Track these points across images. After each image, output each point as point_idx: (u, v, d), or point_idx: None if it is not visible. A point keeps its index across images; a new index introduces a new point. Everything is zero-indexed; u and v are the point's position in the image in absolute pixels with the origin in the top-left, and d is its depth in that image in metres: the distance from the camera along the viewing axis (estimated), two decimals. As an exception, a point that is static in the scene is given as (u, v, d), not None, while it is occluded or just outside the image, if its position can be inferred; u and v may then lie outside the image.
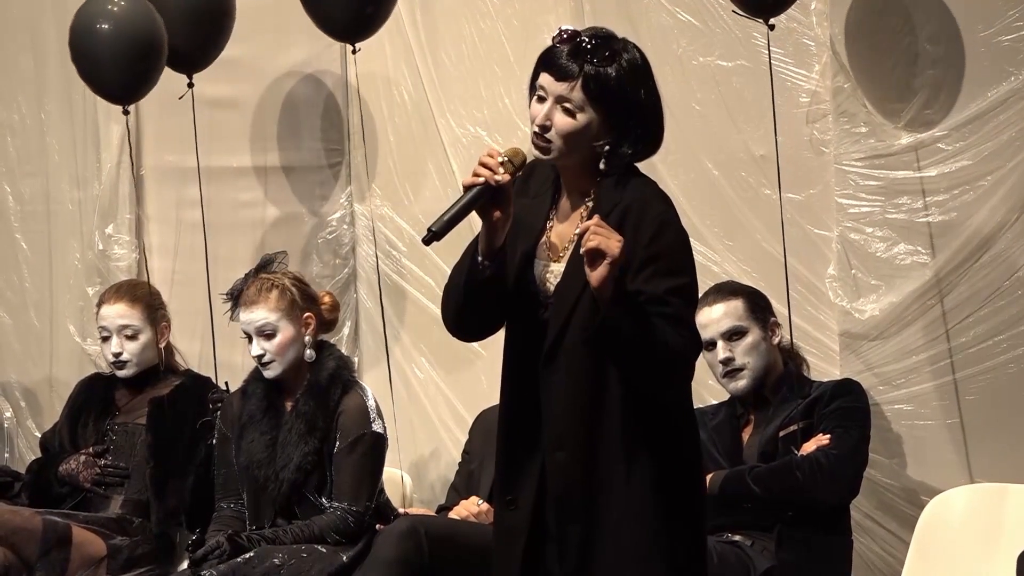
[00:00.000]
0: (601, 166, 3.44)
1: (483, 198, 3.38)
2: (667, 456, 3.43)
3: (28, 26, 6.31)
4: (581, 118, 3.41)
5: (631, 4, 5.55)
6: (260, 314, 4.81)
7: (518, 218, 3.47)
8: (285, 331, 4.82)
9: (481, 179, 3.37)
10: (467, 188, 3.39)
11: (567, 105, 3.40)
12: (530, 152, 3.50)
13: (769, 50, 5.22)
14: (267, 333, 4.81)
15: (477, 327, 3.57)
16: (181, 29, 5.57)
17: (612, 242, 3.27)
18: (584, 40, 3.42)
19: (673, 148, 5.52)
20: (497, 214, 3.40)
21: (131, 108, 5.71)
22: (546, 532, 3.47)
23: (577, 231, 3.37)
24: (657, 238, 3.37)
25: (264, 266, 4.89)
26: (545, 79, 3.43)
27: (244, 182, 6.22)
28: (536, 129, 3.43)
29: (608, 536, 3.41)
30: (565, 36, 3.45)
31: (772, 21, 5.13)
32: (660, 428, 3.43)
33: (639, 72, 3.44)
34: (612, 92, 3.40)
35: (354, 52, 5.65)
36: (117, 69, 5.47)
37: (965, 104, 5.16)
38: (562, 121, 3.41)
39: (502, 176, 3.37)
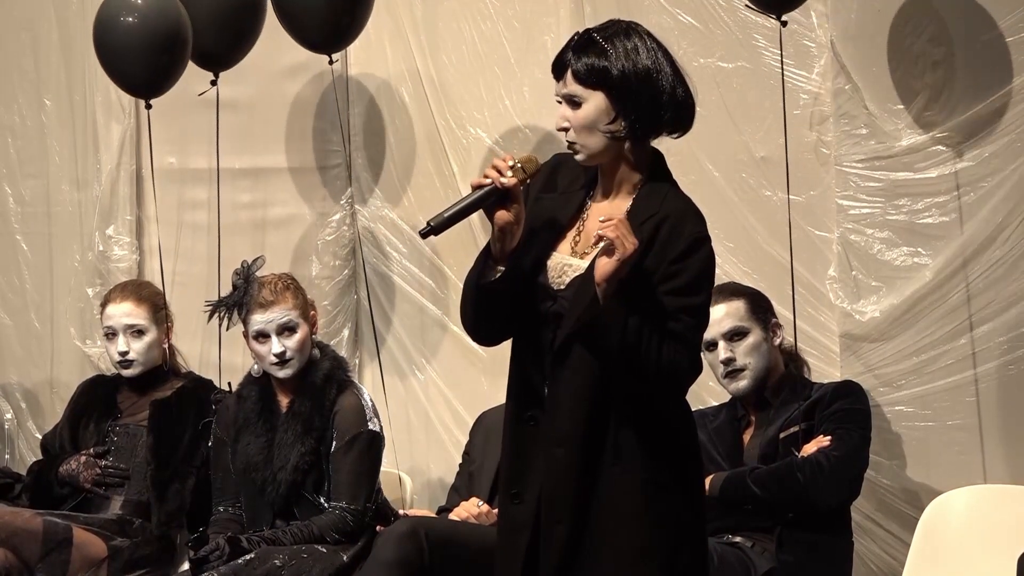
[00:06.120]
0: (626, 148, 3.46)
1: (489, 199, 3.42)
2: (665, 461, 3.43)
3: (29, 27, 6.30)
4: (587, 106, 3.44)
5: (631, 5, 5.54)
6: (281, 312, 4.84)
7: (541, 212, 3.50)
8: (303, 328, 4.87)
9: (488, 180, 3.40)
10: (475, 188, 3.43)
11: (573, 99, 3.45)
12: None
13: (782, 53, 5.21)
14: (289, 330, 4.83)
15: (494, 330, 3.57)
16: (208, 28, 5.54)
17: (628, 241, 3.29)
18: (576, 35, 3.48)
19: (673, 149, 5.49)
20: (505, 217, 3.41)
21: (131, 110, 5.69)
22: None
23: (599, 232, 3.36)
24: (686, 255, 3.38)
25: (252, 272, 4.89)
26: (555, 87, 3.48)
27: (244, 183, 6.21)
28: (563, 136, 3.48)
29: (600, 538, 3.40)
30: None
31: (784, 18, 5.11)
32: (660, 432, 3.43)
33: (620, 40, 3.45)
34: (598, 70, 3.42)
35: (331, 63, 5.64)
36: (140, 62, 5.43)
37: (966, 106, 5.17)
38: (572, 115, 3.45)
39: (508, 179, 3.40)
